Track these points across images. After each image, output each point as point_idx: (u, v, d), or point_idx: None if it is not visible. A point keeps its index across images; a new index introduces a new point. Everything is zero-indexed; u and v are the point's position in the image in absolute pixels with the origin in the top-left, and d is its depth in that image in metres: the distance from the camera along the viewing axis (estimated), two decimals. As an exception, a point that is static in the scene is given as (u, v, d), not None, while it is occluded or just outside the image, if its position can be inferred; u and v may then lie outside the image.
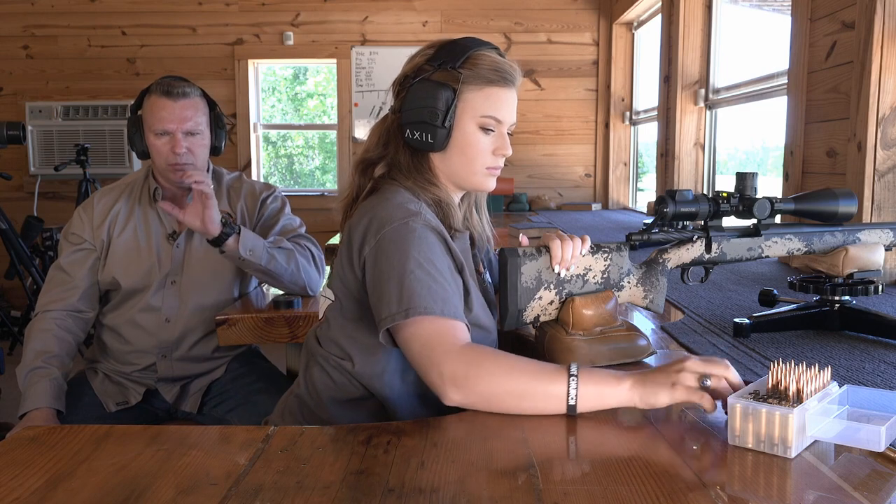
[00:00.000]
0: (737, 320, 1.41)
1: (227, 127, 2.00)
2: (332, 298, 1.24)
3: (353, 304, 1.19)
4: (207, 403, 1.91)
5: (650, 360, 1.24)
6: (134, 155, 1.94)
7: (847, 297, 1.40)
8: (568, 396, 0.96)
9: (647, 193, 4.94)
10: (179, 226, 1.90)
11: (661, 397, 0.94)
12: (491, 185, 1.26)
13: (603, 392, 0.96)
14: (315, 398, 1.23)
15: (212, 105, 1.91)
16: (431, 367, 1.02)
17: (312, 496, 0.77)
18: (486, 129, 1.22)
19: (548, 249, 1.23)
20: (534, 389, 0.97)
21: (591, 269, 1.26)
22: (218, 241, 1.72)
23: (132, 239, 1.87)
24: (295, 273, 1.80)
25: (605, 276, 1.27)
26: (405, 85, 1.23)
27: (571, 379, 0.96)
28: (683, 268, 1.34)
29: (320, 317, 1.28)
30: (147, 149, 1.85)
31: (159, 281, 1.86)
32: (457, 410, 1.06)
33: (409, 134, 1.21)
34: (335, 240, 3.04)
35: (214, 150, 1.92)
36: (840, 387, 0.94)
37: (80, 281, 1.84)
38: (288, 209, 1.98)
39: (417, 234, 1.11)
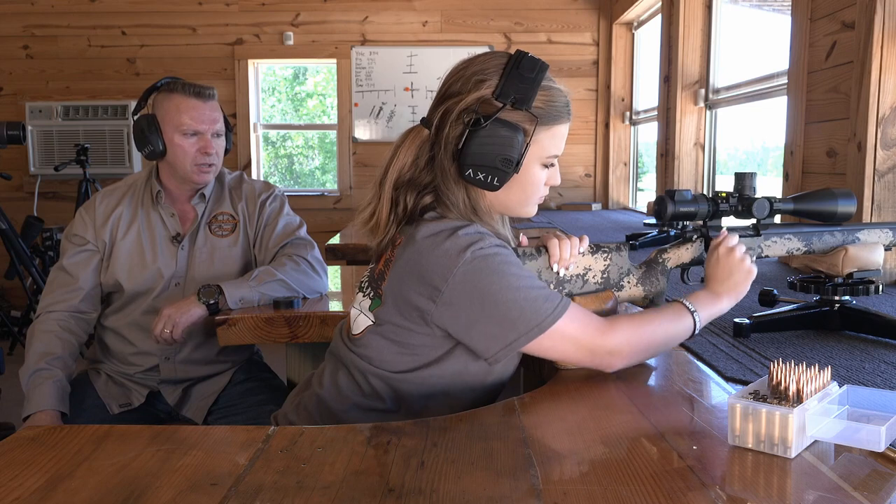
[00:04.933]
0: (737, 320, 1.41)
1: (233, 129, 2.03)
2: (373, 321, 1.18)
3: (399, 329, 1.15)
4: (213, 413, 1.91)
5: (650, 360, 1.24)
6: (134, 155, 1.95)
7: (847, 297, 1.40)
8: (694, 329, 1.18)
9: (647, 193, 4.94)
10: (183, 227, 1.91)
11: (743, 293, 1.24)
12: (535, 211, 1.26)
13: (713, 314, 1.21)
14: (339, 402, 1.21)
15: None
16: (593, 354, 1.13)
17: (312, 496, 0.77)
18: (547, 167, 1.21)
19: (547, 249, 1.23)
20: (673, 334, 1.17)
21: (590, 269, 1.26)
22: (210, 310, 1.78)
23: (136, 241, 1.87)
24: (294, 292, 1.82)
25: (604, 275, 1.27)
26: (466, 120, 1.12)
27: (695, 315, 1.18)
28: (683, 267, 1.34)
29: (354, 332, 1.22)
30: (166, 148, 1.84)
31: (164, 283, 1.86)
32: (457, 411, 1.06)
33: (472, 174, 1.13)
34: (335, 240, 3.04)
35: (225, 152, 1.97)
36: (840, 387, 0.94)
37: (83, 282, 1.84)
38: (287, 208, 1.99)
39: (497, 254, 1.10)
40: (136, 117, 1.88)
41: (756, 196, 1.32)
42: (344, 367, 1.22)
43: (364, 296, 1.22)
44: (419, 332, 1.14)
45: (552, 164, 1.22)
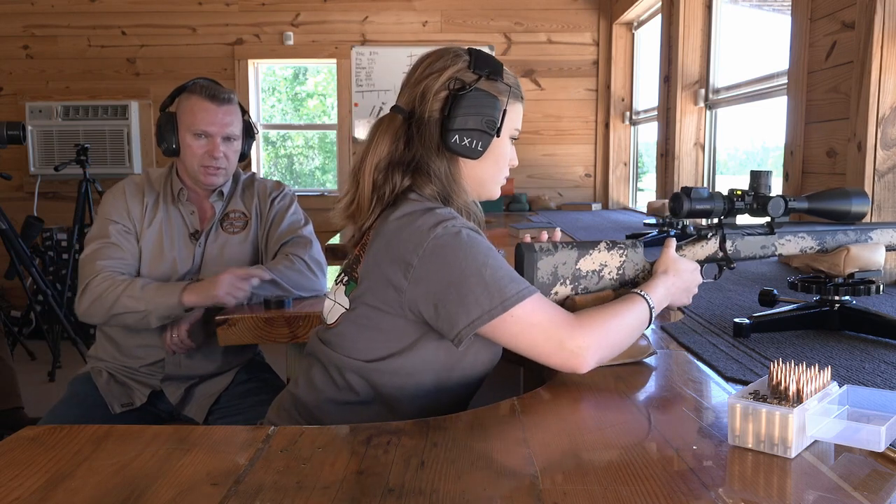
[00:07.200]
0: (737, 320, 1.41)
1: (255, 135, 2.04)
2: (347, 307, 1.20)
3: (372, 311, 1.17)
4: (214, 413, 1.91)
5: (650, 360, 1.24)
6: (134, 155, 1.97)
7: (847, 297, 1.40)
8: (650, 319, 1.19)
9: (647, 193, 4.94)
10: (201, 225, 1.93)
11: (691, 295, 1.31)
12: (499, 193, 1.33)
13: (661, 304, 1.23)
14: (313, 397, 1.23)
15: (243, 111, 1.96)
16: (561, 349, 1.10)
17: (312, 496, 0.77)
18: (512, 141, 1.29)
19: (562, 243, 1.25)
20: (634, 325, 1.17)
21: (606, 265, 1.26)
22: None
23: (157, 234, 1.89)
24: (287, 291, 1.83)
25: (620, 271, 1.27)
26: (450, 87, 1.20)
27: (653, 311, 1.20)
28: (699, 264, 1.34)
29: (329, 322, 1.24)
30: (179, 147, 1.87)
31: (178, 279, 1.88)
32: (453, 409, 1.06)
33: (458, 140, 1.19)
34: (335, 240, 3.03)
35: (241, 157, 1.98)
36: (840, 387, 0.94)
37: (128, 254, 1.84)
38: (294, 207, 2.02)
39: (465, 234, 1.12)
40: (160, 114, 1.91)
41: (771, 195, 1.33)
42: (318, 363, 1.24)
43: (339, 283, 1.26)
44: (391, 313, 1.15)
45: (515, 141, 1.30)
